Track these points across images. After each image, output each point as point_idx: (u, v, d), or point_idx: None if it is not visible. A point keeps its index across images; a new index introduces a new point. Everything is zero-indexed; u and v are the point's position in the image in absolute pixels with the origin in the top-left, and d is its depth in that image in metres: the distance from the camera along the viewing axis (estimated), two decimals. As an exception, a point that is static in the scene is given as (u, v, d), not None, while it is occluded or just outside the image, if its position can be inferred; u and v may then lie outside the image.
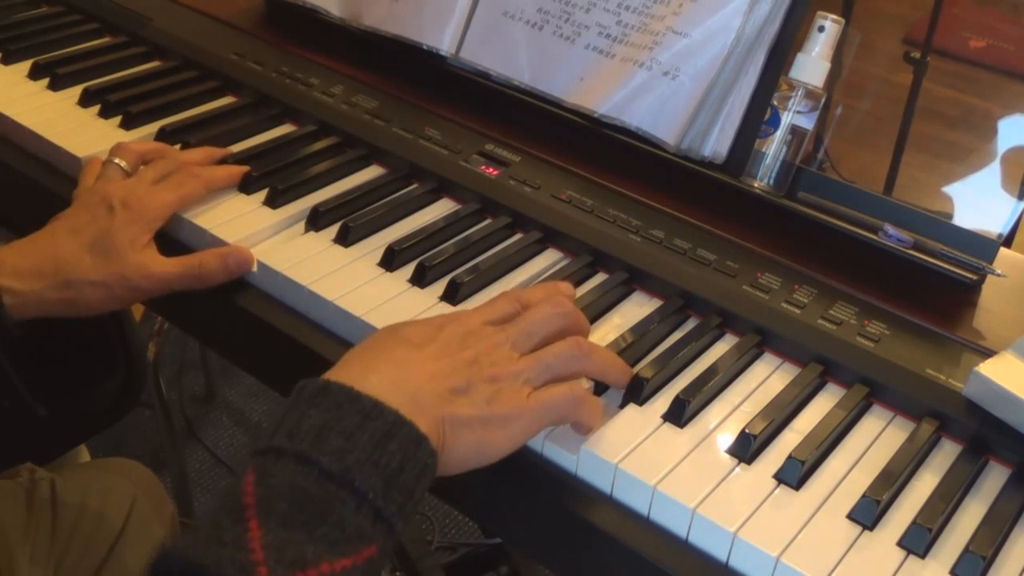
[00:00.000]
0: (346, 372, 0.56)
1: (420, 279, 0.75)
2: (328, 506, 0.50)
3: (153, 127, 0.91)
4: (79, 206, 0.77)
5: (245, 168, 0.85)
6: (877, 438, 0.66)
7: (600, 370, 0.64)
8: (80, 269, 0.74)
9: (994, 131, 0.76)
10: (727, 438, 0.64)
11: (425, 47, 0.95)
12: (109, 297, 0.75)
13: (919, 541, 0.58)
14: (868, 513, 0.59)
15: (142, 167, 0.82)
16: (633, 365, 0.70)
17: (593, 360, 0.63)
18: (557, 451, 0.63)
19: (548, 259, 0.80)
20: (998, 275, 0.74)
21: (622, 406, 0.66)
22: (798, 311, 0.72)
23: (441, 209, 0.85)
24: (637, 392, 0.66)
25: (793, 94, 0.79)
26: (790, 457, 0.62)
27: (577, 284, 0.77)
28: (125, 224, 0.75)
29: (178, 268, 0.75)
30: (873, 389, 0.69)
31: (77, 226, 0.75)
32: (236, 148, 0.89)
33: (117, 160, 0.81)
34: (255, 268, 0.76)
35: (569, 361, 0.62)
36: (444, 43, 0.95)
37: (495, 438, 0.58)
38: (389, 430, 0.53)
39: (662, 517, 0.60)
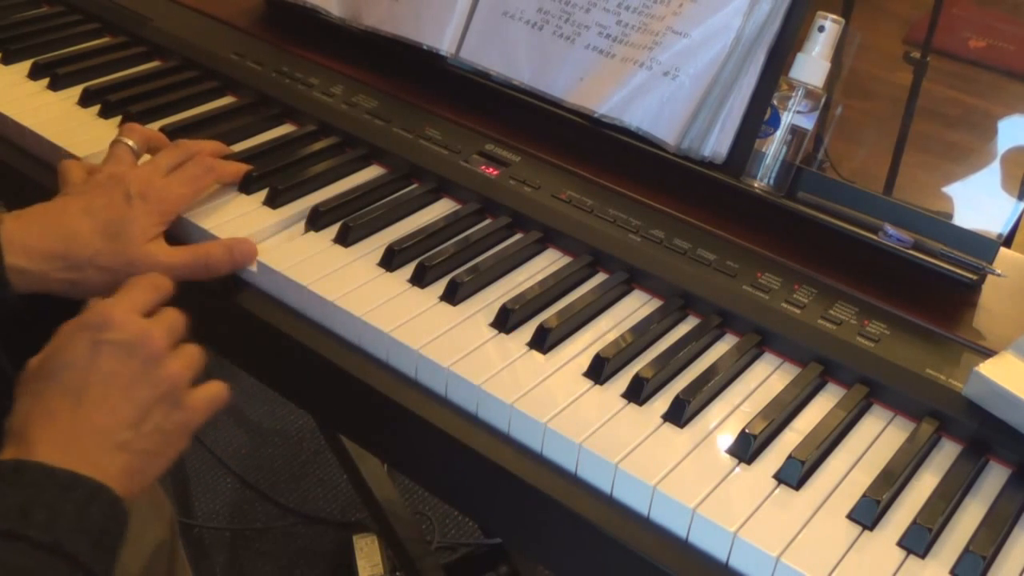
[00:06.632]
0: (28, 448, 0.58)
1: (420, 279, 0.75)
2: (42, 575, 0.53)
3: (153, 127, 0.91)
4: (94, 186, 0.76)
5: (250, 166, 0.85)
6: (877, 438, 0.66)
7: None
8: (89, 252, 0.73)
9: (994, 131, 0.76)
10: (727, 438, 0.64)
11: (425, 47, 0.95)
12: (113, 284, 0.74)
13: (919, 541, 0.58)
14: (868, 513, 0.59)
15: (157, 155, 0.81)
16: (632, 364, 0.70)
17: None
18: (557, 451, 0.63)
19: (548, 259, 0.80)
20: (998, 275, 0.74)
21: (624, 400, 0.66)
22: (798, 311, 0.72)
23: (441, 209, 0.85)
24: (637, 392, 0.66)
25: (793, 94, 0.79)
26: (790, 457, 0.62)
27: (577, 284, 0.77)
28: (141, 215, 0.75)
29: (185, 258, 0.75)
30: (873, 389, 0.69)
31: (92, 208, 0.74)
32: (236, 148, 0.89)
33: (126, 139, 0.81)
34: (255, 267, 0.76)
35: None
36: (444, 43, 0.95)
37: (179, 443, 0.65)
38: (90, 496, 0.57)
39: (662, 517, 0.60)
